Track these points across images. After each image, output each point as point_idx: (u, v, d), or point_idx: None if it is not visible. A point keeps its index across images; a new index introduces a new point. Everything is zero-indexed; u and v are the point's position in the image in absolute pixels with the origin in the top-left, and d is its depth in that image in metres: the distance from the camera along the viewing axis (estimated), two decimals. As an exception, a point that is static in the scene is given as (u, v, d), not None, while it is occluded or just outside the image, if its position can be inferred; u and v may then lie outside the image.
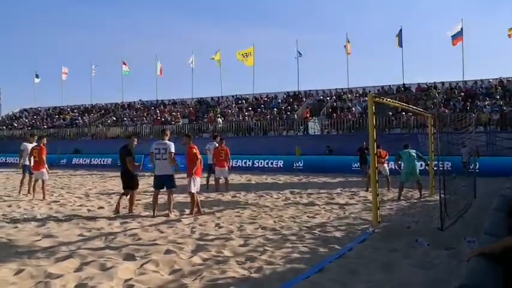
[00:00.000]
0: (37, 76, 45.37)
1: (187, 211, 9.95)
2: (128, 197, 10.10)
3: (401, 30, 32.18)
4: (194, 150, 9.83)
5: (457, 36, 30.36)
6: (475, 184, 12.37)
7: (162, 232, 7.86)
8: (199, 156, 9.87)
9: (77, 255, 6.03)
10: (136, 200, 12.20)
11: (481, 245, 2.95)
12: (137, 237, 7.36)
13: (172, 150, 9.53)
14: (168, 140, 9.84)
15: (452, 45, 30.55)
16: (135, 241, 7.10)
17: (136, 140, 10.39)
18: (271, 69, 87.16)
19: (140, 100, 40.51)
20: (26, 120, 41.88)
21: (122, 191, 10.27)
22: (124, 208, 9.97)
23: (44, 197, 12.30)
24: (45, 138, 13.32)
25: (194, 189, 9.70)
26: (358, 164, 17.49)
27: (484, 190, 12.59)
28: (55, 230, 8.04)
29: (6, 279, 4.96)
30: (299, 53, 35.78)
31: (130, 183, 10.00)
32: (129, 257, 6.02)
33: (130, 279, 5.06)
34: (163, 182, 9.63)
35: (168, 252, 6.32)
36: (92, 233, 7.77)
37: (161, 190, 9.79)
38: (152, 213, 9.62)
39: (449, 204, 8.39)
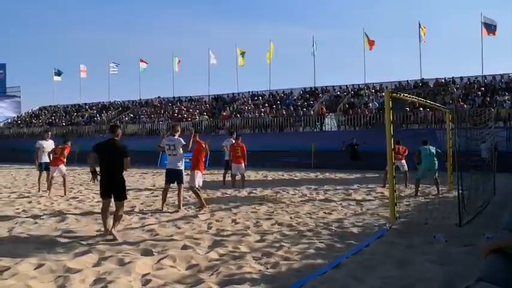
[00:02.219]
0: (58, 74, 46.02)
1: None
2: (112, 207, 7.41)
3: (420, 24, 31.72)
4: (200, 146, 10.27)
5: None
6: (494, 180, 12.18)
7: (179, 228, 7.92)
8: (204, 151, 10.30)
9: (95, 251, 6.11)
10: (154, 196, 12.36)
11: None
12: (154, 233, 7.42)
13: (183, 143, 9.82)
14: (178, 136, 10.13)
15: (488, 35, 30.42)
16: (152, 236, 7.17)
17: (120, 132, 7.67)
18: (287, 65, 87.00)
19: (159, 97, 40.80)
20: (45, 118, 42.51)
21: (144, 186, 10.30)
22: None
23: (65, 193, 12.54)
24: (71, 141, 13.86)
25: (196, 183, 10.03)
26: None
27: (503, 186, 12.39)
28: (74, 225, 8.17)
29: (27, 274, 5.06)
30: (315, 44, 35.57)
31: (121, 192, 7.29)
32: (147, 252, 6.08)
33: (147, 274, 5.10)
34: (173, 176, 9.93)
35: (185, 247, 6.37)
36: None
37: (172, 185, 10.11)
38: (161, 207, 9.89)
39: (468, 200, 8.28)
